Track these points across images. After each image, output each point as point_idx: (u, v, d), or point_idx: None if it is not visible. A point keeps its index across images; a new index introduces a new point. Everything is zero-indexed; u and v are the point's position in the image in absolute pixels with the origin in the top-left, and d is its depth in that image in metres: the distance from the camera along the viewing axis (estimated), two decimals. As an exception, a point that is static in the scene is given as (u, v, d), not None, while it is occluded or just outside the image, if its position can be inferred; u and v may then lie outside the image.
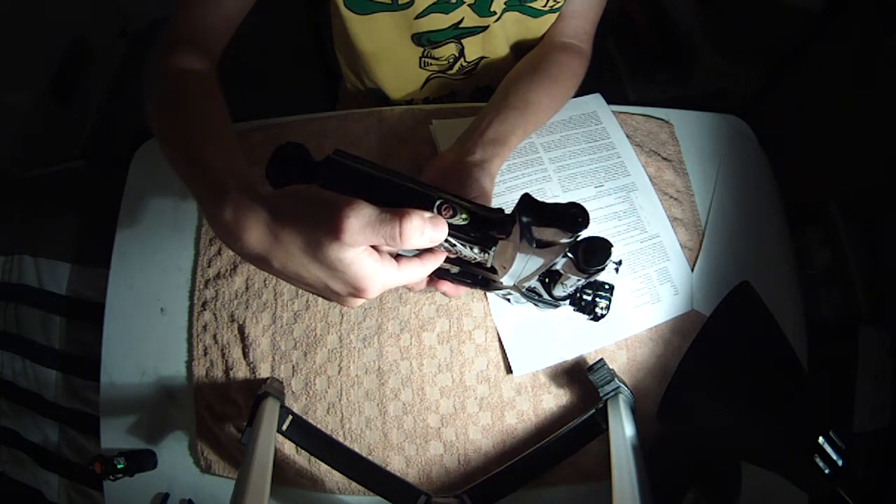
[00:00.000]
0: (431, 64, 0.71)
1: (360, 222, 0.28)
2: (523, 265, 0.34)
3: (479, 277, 0.41)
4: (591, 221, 0.29)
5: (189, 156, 0.39)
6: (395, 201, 0.30)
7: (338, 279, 0.31)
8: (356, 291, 0.32)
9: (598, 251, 0.32)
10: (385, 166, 0.32)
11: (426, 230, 0.29)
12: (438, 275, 0.41)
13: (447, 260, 0.40)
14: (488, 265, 0.36)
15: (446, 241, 0.32)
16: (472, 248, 0.33)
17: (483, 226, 0.32)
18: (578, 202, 0.29)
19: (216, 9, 0.52)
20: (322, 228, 0.29)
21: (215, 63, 0.52)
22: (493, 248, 0.33)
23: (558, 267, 0.35)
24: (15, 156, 1.26)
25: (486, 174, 0.49)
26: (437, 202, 0.31)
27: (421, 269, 0.35)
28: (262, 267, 0.33)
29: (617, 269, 0.36)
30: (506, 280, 0.38)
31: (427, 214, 0.29)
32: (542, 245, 0.30)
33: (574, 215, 0.29)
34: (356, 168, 0.31)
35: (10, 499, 0.87)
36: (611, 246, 0.32)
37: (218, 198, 0.34)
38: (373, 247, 0.32)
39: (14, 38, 1.22)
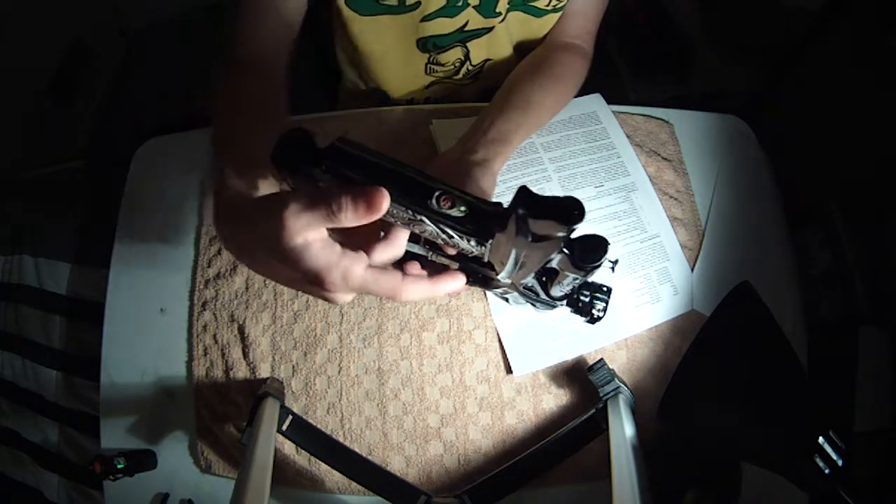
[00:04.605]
0: (437, 71, 0.71)
1: (297, 207, 0.29)
2: (517, 261, 0.34)
3: (479, 275, 0.41)
4: (590, 221, 0.29)
5: (212, 169, 0.43)
6: (395, 189, 0.30)
7: (298, 271, 0.32)
8: (318, 283, 0.32)
9: (595, 248, 0.32)
10: (388, 155, 0.32)
11: (360, 205, 0.29)
12: (437, 270, 0.41)
13: (447, 256, 0.40)
14: (485, 259, 0.36)
15: (445, 232, 0.32)
16: (468, 241, 0.33)
17: (481, 218, 0.32)
18: (574, 196, 0.29)
19: (274, 22, 0.54)
20: (270, 223, 0.30)
21: (282, 70, 0.53)
22: (490, 242, 0.33)
23: (555, 264, 0.35)
24: (15, 156, 1.25)
25: (488, 173, 0.49)
26: (436, 193, 0.31)
27: (395, 282, 0.34)
28: (253, 270, 0.36)
29: (613, 268, 0.36)
30: (503, 277, 0.38)
31: (366, 188, 0.29)
32: (538, 239, 0.30)
33: (569, 207, 0.29)
34: (358, 155, 0.31)
35: (10, 499, 0.87)
36: (607, 244, 0.32)
37: (216, 211, 0.38)
38: (352, 246, 0.32)
39: (14, 38, 1.22)
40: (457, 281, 0.37)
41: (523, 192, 0.30)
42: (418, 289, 0.35)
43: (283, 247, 0.30)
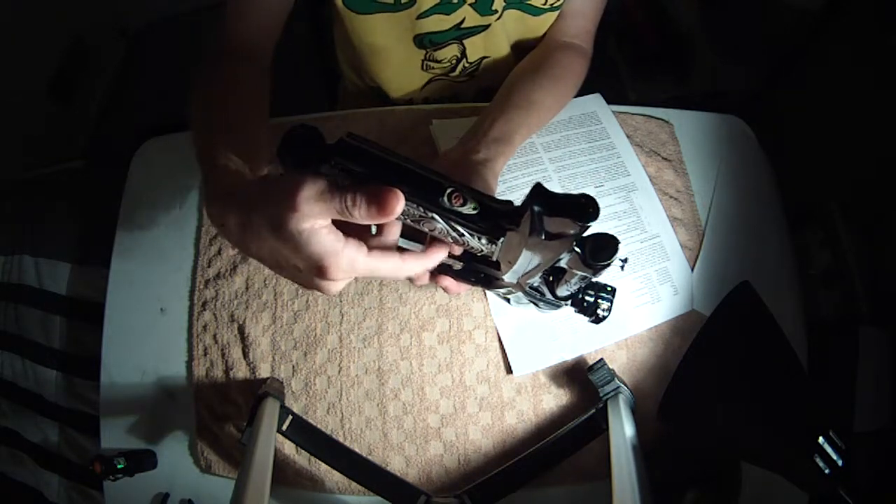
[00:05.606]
0: (434, 67, 0.71)
1: (312, 192, 0.30)
2: (528, 260, 0.34)
3: (483, 275, 0.41)
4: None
5: (201, 154, 0.42)
6: (406, 186, 0.30)
7: (301, 256, 0.32)
8: (320, 271, 0.32)
9: (606, 246, 0.32)
10: (397, 152, 0.31)
11: (374, 205, 0.29)
12: (441, 270, 0.41)
13: (452, 256, 0.40)
14: (494, 258, 0.36)
15: (455, 230, 0.32)
16: (479, 239, 0.33)
17: (493, 216, 0.32)
18: (589, 194, 0.30)
19: (262, 14, 0.55)
20: (281, 204, 0.30)
21: (267, 62, 0.55)
22: (501, 240, 0.33)
23: (563, 263, 0.35)
24: (15, 156, 1.25)
25: (490, 173, 0.49)
26: (448, 190, 0.31)
27: (396, 263, 0.34)
28: (246, 252, 0.35)
29: (622, 267, 0.36)
30: (509, 277, 0.38)
31: (383, 188, 0.29)
32: (551, 237, 0.30)
33: (585, 205, 0.29)
34: (368, 151, 0.31)
35: (10, 499, 0.87)
36: (618, 242, 0.32)
37: (210, 193, 0.39)
38: (349, 234, 0.32)
39: (14, 38, 1.22)
40: (445, 249, 0.37)
41: (538, 189, 0.30)
42: (416, 263, 0.36)
43: (290, 229, 0.31)
